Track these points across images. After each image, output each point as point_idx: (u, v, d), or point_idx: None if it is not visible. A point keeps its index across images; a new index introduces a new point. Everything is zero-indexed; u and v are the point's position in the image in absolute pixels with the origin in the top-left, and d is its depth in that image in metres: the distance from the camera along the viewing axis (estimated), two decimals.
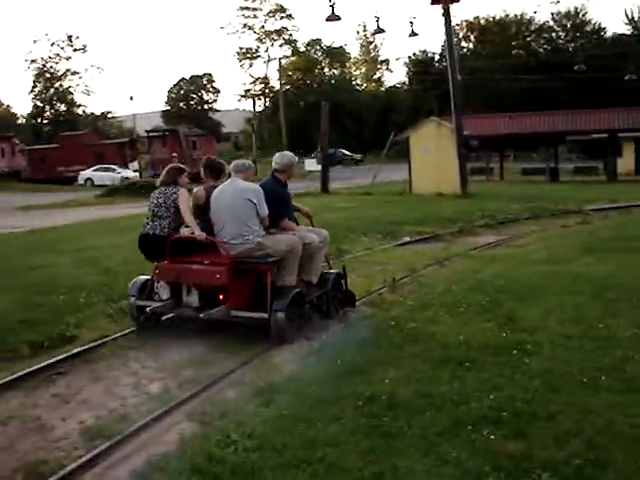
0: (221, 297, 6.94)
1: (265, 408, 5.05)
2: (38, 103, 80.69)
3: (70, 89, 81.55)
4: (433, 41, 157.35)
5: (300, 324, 7.14)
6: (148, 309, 7.25)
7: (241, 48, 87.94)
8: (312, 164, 47.14)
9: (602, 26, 76.28)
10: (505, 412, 4.69)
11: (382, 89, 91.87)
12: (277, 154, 7.91)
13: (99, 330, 7.41)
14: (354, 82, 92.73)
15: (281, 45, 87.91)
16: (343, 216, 17.52)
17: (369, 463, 4.11)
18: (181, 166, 8.01)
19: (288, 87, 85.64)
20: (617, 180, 37.38)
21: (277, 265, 7.14)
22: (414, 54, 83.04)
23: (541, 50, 76.45)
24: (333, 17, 27.75)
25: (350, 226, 15.56)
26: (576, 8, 75.07)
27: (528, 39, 78.28)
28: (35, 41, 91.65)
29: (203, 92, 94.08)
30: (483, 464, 4.02)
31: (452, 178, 25.87)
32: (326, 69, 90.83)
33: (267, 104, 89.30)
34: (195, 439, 4.65)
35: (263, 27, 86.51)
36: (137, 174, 45.62)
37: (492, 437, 4.34)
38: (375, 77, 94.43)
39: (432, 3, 27.20)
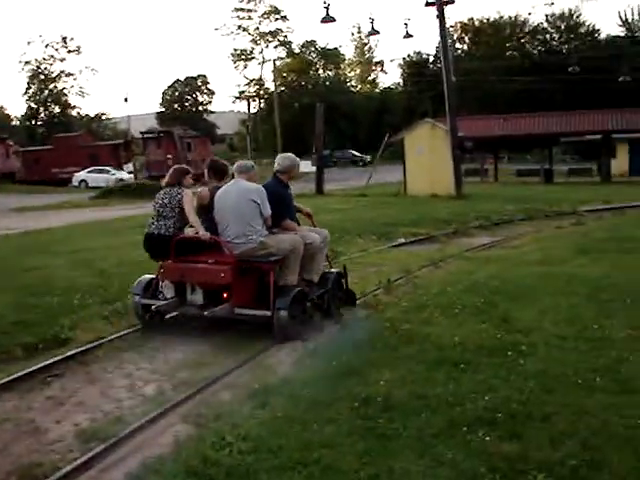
0: (225, 295, 7.05)
1: (260, 410, 5.04)
2: (32, 105, 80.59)
3: (64, 91, 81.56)
4: (427, 42, 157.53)
5: (302, 322, 7.23)
6: (153, 307, 7.39)
7: (236, 49, 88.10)
8: (307, 165, 47.16)
9: (596, 28, 76.63)
10: (500, 413, 4.69)
11: (377, 90, 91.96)
12: (279, 155, 8.08)
13: (94, 332, 7.38)
14: (349, 83, 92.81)
15: (276, 46, 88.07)
16: (338, 217, 17.51)
17: (365, 465, 4.10)
18: (186, 167, 8.11)
19: (283, 88, 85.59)
20: (611, 181, 37.51)
21: (279, 264, 7.27)
22: (408, 55, 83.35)
23: (535, 51, 76.63)
24: (328, 19, 27.83)
25: (345, 227, 15.55)
26: (570, 10, 75.42)
27: (522, 41, 78.45)
28: (29, 42, 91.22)
29: (198, 93, 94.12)
30: (478, 465, 4.02)
31: (447, 179, 25.91)
32: (321, 71, 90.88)
33: (262, 106, 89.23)
34: (190, 441, 4.63)
35: (258, 28, 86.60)
36: (132, 176, 45.55)
37: (487, 438, 4.34)
38: (370, 78, 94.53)
39: (426, 5, 27.29)
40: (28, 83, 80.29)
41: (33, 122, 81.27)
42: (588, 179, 39.16)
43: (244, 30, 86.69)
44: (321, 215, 16.32)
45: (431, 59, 79.97)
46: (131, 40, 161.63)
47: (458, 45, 79.10)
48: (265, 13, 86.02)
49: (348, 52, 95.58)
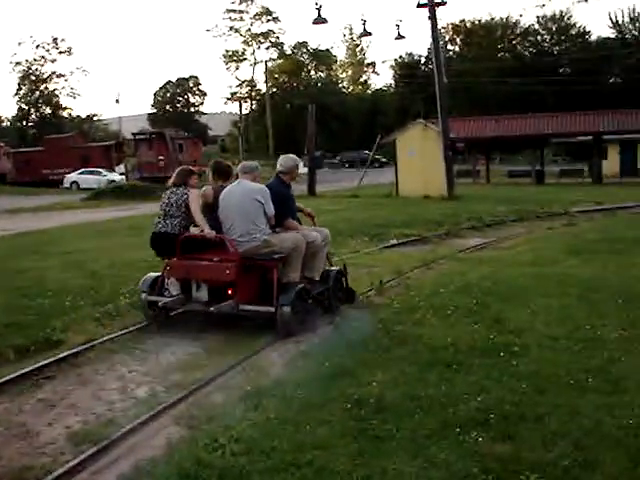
0: (230, 292, 7.23)
1: (253, 412, 5.03)
2: (23, 106, 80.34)
3: (55, 92, 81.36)
4: (419, 44, 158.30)
5: (304, 318, 7.40)
6: (160, 303, 7.58)
7: (227, 51, 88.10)
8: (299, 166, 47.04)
9: (587, 30, 76.80)
10: (493, 414, 4.70)
11: (368, 92, 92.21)
12: (282, 157, 8.28)
13: (86, 334, 7.35)
14: (340, 85, 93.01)
15: (267, 48, 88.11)
16: (330, 219, 17.47)
17: (358, 466, 4.10)
18: (191, 168, 8.30)
19: (275, 90, 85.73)
20: (602, 182, 37.67)
21: (282, 262, 7.47)
22: (400, 57, 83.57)
23: (526, 53, 76.86)
24: (320, 20, 27.82)
25: (337, 229, 15.48)
26: (561, 12, 75.58)
27: (514, 42, 78.66)
28: (20, 43, 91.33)
29: (189, 95, 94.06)
30: (471, 466, 4.02)
31: (438, 180, 25.95)
32: (312, 72, 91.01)
33: (254, 107, 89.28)
34: (183, 443, 4.62)
35: (249, 30, 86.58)
36: (123, 177, 45.41)
37: (480, 439, 4.35)
38: (361, 80, 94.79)
39: (418, 6, 27.32)
40: (19, 84, 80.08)
41: (24, 123, 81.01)
42: (579, 180, 39.32)
43: (236, 31, 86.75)
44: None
45: (423, 60, 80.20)
46: (123, 41, 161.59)
47: (450, 46, 79.25)
48: (257, 14, 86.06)
49: (340, 53, 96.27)
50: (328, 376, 5.67)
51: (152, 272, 8.11)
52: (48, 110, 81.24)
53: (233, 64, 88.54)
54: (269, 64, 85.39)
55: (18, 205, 29.65)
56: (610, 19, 74.64)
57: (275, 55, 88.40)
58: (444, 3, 27.56)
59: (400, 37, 32.77)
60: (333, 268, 8.47)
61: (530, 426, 4.56)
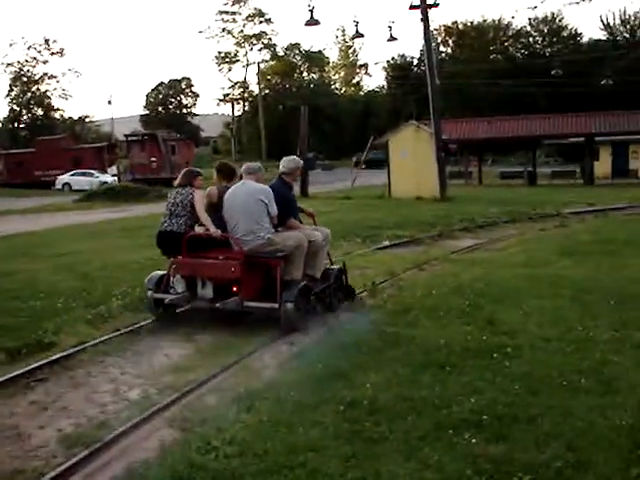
0: (235, 289, 7.43)
1: (246, 414, 5.02)
2: (15, 107, 79.93)
3: (47, 93, 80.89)
4: (412, 45, 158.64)
5: (306, 314, 7.60)
6: (166, 300, 7.79)
7: (220, 52, 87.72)
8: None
9: (578, 32, 77.28)
10: (486, 415, 4.70)
11: (361, 93, 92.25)
12: (284, 158, 8.49)
13: (78, 336, 7.33)
14: (333, 86, 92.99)
15: (260, 49, 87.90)
16: (322, 220, 17.33)
17: (351, 468, 4.10)
18: (196, 170, 8.52)
19: (267, 91, 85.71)
20: (594, 184, 37.78)
21: (285, 260, 7.64)
22: (393, 58, 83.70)
23: (518, 55, 77.07)
24: (312, 21, 27.82)
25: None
26: (553, 14, 75.83)
27: (506, 44, 78.89)
28: (11, 44, 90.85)
29: (182, 96, 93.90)
30: (464, 468, 4.02)
31: (431, 182, 25.99)
32: (305, 73, 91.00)
33: (246, 108, 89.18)
34: (175, 446, 4.61)
35: (242, 31, 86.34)
36: (115, 179, 45.28)
37: (473, 441, 4.35)
38: (354, 81, 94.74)
39: (411, 8, 27.36)
40: (10, 85, 79.64)
41: (15, 125, 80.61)
42: (571, 181, 39.45)
43: (228, 33, 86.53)
44: (305, 218, 16.30)
45: (415, 62, 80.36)
46: (115, 42, 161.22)
47: (442, 48, 79.40)
48: (249, 16, 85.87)
49: (332, 55, 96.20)
50: (321, 378, 5.67)
51: (158, 270, 8.28)
52: (40, 111, 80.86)
53: (225, 65, 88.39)
54: (262, 65, 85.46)
55: (9, 207, 29.55)
56: (601, 21, 75.19)
57: (268, 56, 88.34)
58: (436, 5, 27.62)
59: (392, 39, 32.85)
60: (334, 267, 8.68)
61: (523, 427, 4.56)
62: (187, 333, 7.49)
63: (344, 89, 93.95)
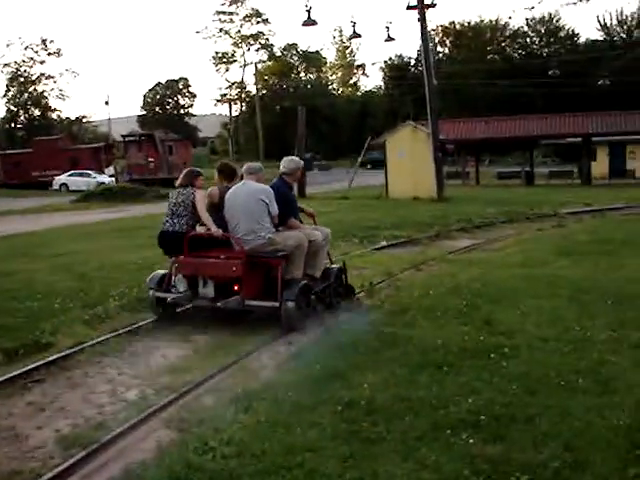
0: (236, 288, 7.52)
1: (243, 414, 5.02)
2: (12, 107, 79.72)
3: (44, 93, 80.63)
4: (409, 46, 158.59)
5: (307, 313, 7.70)
6: (169, 299, 7.90)
7: (217, 53, 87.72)
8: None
9: (575, 32, 77.31)
10: (484, 416, 4.70)
11: (358, 94, 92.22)
12: (285, 159, 8.57)
13: (75, 336, 7.32)
14: (330, 87, 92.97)
15: (257, 50, 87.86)
16: (320, 221, 17.30)
17: (349, 468, 4.09)
18: (197, 170, 8.58)
19: (264, 92, 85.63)
20: (591, 184, 37.82)
21: (286, 259, 7.71)
22: (390, 59, 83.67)
23: (516, 55, 77.13)
24: (309, 22, 27.79)
25: None
26: (550, 14, 75.93)
27: (503, 44, 78.97)
28: (8, 45, 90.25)
29: (179, 96, 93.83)
30: (462, 468, 4.02)
31: (428, 182, 26.00)
32: (302, 74, 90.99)
33: (243, 109, 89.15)
34: (173, 446, 4.60)
35: (239, 32, 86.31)
36: (113, 179, 45.24)
37: (471, 441, 4.35)
38: (351, 82, 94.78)
39: (408, 8, 27.36)
40: (7, 86, 79.39)
41: (13, 125, 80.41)
42: (569, 181, 39.51)
43: (226, 33, 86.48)
44: (305, 218, 16.30)
45: (412, 62, 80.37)
46: (112, 43, 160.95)
47: (439, 48, 79.41)
48: (247, 16, 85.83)
49: (330, 55, 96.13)
50: (319, 378, 5.67)
51: (159, 270, 8.36)
52: (37, 112, 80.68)
53: (223, 66, 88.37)
54: (259, 66, 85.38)
55: (7, 207, 29.52)
56: (598, 22, 75.20)
57: (265, 57, 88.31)
58: (434, 5, 27.67)
59: (390, 39, 32.84)
60: (334, 266, 8.76)
61: (521, 427, 4.56)
62: (184, 333, 7.49)
63: (341, 89, 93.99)
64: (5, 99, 79.64)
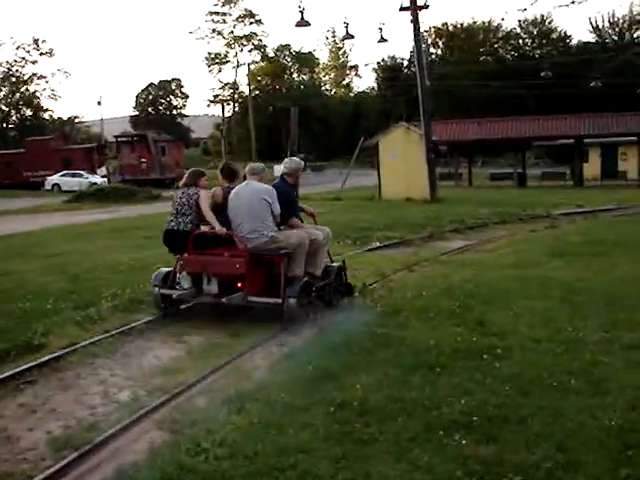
0: (239, 285, 7.71)
1: (236, 416, 5.01)
2: (3, 107, 79.42)
3: (36, 93, 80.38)
4: (402, 47, 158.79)
5: (308, 309, 7.85)
6: (174, 296, 8.10)
7: (210, 53, 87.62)
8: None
9: (567, 34, 77.65)
10: (476, 417, 4.71)
11: (351, 95, 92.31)
12: (286, 159, 8.91)
13: (67, 338, 7.29)
14: (323, 88, 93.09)
15: (250, 50, 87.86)
16: (312, 222, 17.47)
17: (341, 469, 4.09)
18: (201, 170, 8.79)
19: (257, 92, 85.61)
20: (583, 185, 37.95)
21: (288, 257, 7.87)
22: (383, 60, 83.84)
23: (508, 57, 77.39)
24: (302, 23, 27.77)
25: None
26: (542, 16, 76.17)
27: (495, 46, 79.22)
28: (0, 44, 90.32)
29: (172, 97, 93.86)
30: (455, 469, 4.02)
31: (421, 183, 26.03)
32: (295, 74, 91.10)
33: (236, 109, 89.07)
34: (165, 448, 4.59)
35: (232, 32, 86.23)
36: (105, 180, 45.15)
37: (464, 442, 4.35)
38: (344, 83, 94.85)
39: (401, 9, 27.38)
40: None
41: (4, 125, 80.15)
42: (561, 183, 39.58)
43: (219, 34, 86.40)
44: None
45: (405, 63, 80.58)
46: (105, 43, 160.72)
47: (432, 50, 79.60)
48: (240, 17, 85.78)
49: (323, 56, 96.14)
50: (311, 379, 5.66)
51: (164, 267, 8.53)
52: (29, 112, 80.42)
53: (216, 66, 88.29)
54: (252, 67, 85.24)
55: (3, 208, 29.39)
56: (590, 24, 75.54)
57: (258, 57, 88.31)
58: (426, 7, 27.70)
59: (383, 40, 32.87)
60: (334, 264, 8.87)
61: (513, 428, 4.57)
62: (177, 334, 7.48)
63: (334, 90, 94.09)
64: None
